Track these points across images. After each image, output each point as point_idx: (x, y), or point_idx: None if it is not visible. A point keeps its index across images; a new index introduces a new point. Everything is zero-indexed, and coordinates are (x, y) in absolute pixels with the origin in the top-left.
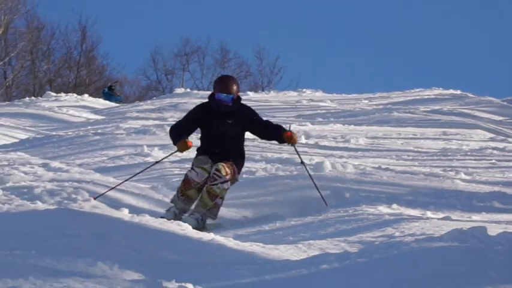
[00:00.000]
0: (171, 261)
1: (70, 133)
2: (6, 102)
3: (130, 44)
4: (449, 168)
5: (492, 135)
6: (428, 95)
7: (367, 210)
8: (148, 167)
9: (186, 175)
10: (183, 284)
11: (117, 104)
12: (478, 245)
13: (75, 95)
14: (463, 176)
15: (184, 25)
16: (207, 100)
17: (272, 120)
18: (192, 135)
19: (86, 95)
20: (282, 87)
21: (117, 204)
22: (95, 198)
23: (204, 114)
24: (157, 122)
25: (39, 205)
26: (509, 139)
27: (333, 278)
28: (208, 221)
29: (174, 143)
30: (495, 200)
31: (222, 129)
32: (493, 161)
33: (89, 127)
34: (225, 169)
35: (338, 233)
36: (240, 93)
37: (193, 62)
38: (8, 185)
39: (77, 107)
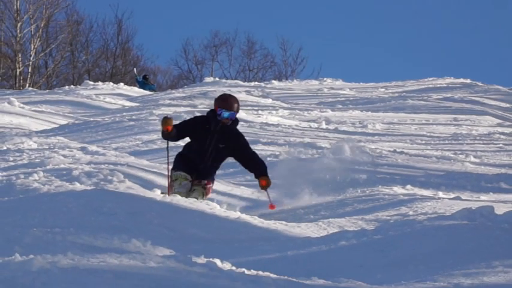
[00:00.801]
0: (200, 238)
1: (106, 119)
2: (47, 91)
3: (163, 36)
4: (459, 152)
5: (500, 121)
6: (440, 84)
7: (383, 190)
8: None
9: (172, 189)
10: (211, 259)
11: (151, 92)
12: (485, 223)
13: (111, 83)
14: (472, 159)
15: (213, 18)
16: (206, 115)
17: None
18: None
19: (122, 84)
20: (305, 76)
21: (150, 185)
22: (162, 193)
23: (201, 127)
24: (188, 108)
25: (77, 186)
26: None
27: (351, 253)
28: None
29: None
30: (502, 181)
31: (212, 149)
32: (500, 145)
33: (124, 113)
34: (199, 190)
35: (356, 211)
36: (239, 113)
37: (221, 53)
38: (48, 167)
39: (113, 95)
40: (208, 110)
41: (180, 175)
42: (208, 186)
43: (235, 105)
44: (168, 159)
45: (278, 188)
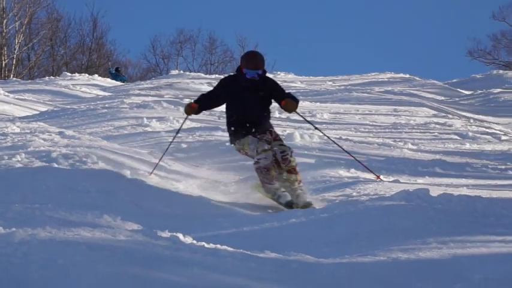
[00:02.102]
0: (164, 214)
1: (82, 107)
2: (30, 81)
3: (133, 33)
4: (398, 139)
5: (435, 112)
6: (382, 78)
7: (330, 173)
8: (174, 138)
9: (259, 167)
10: (174, 233)
11: (122, 83)
12: (421, 204)
13: (87, 75)
14: (410, 146)
15: (179, 17)
16: (234, 73)
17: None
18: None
19: (96, 75)
20: None
21: (120, 166)
22: (150, 174)
23: (233, 85)
24: (155, 98)
25: (55, 166)
26: (449, 116)
27: (300, 230)
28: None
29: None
30: (437, 166)
31: (254, 98)
32: (435, 133)
33: (98, 102)
34: (283, 144)
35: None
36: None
37: (186, 48)
38: (29, 149)
39: (88, 85)
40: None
41: (249, 141)
42: (276, 132)
43: (260, 63)
44: (176, 133)
45: (237, 169)
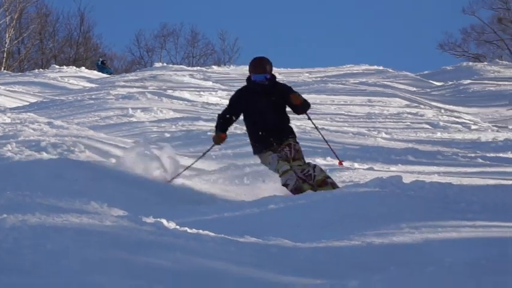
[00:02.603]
0: (149, 201)
1: (70, 98)
2: (20, 73)
3: (119, 27)
4: (372, 129)
5: (407, 102)
6: (357, 70)
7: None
8: (203, 154)
9: (291, 190)
10: (158, 219)
11: (108, 75)
12: (395, 191)
13: (74, 67)
14: (384, 135)
15: (162, 12)
16: (244, 84)
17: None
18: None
19: (83, 68)
20: (240, 62)
21: (106, 155)
22: (169, 181)
23: (245, 96)
24: (140, 89)
25: (44, 155)
26: (421, 106)
27: (279, 215)
28: None
29: (215, 133)
30: (409, 154)
31: (267, 105)
32: (408, 123)
33: (85, 93)
34: (301, 163)
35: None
36: (273, 72)
37: (169, 42)
38: (20, 139)
39: (75, 77)
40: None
41: (271, 159)
42: (296, 147)
43: (266, 67)
44: (203, 155)
45: (214, 159)
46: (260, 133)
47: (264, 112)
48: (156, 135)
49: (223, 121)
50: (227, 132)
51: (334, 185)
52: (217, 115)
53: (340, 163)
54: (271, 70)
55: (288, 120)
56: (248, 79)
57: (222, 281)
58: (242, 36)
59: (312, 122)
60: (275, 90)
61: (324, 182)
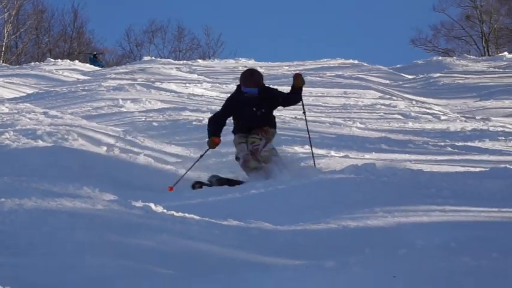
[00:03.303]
0: (138, 186)
1: (64, 89)
2: (17, 66)
3: (110, 23)
4: (348, 119)
5: (381, 94)
6: (333, 64)
7: (286, 149)
8: (197, 160)
9: (238, 158)
10: (146, 203)
11: (100, 68)
12: (369, 177)
13: (68, 61)
14: (358, 125)
15: (151, 8)
16: (235, 90)
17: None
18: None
19: (77, 61)
20: (223, 56)
21: (98, 143)
22: (171, 188)
23: (236, 104)
24: (129, 81)
25: (40, 143)
26: (394, 98)
27: (259, 200)
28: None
29: (208, 138)
30: (382, 143)
31: (255, 114)
32: (381, 114)
33: (78, 85)
34: (255, 137)
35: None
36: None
37: (157, 37)
38: (17, 127)
39: (69, 70)
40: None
41: (238, 137)
42: (266, 129)
43: (258, 81)
44: (198, 159)
45: (199, 146)
46: (244, 130)
47: (251, 120)
48: (144, 125)
49: (215, 126)
50: (221, 138)
51: (277, 164)
52: (208, 119)
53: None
54: (262, 83)
55: (273, 119)
56: (239, 88)
57: (206, 261)
58: (225, 32)
59: (304, 111)
60: (264, 100)
61: (269, 159)
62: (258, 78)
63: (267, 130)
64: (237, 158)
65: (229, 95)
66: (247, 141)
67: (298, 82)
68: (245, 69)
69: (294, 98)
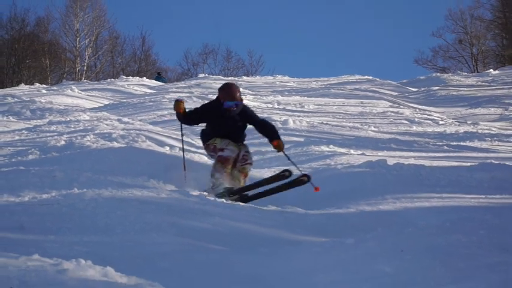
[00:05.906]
0: (194, 179)
1: (134, 101)
2: (96, 82)
3: (171, 46)
4: (364, 124)
5: (391, 104)
6: (352, 79)
7: (314, 148)
8: (182, 136)
9: (220, 156)
10: (201, 193)
11: (163, 84)
12: (381, 171)
13: (137, 77)
14: (373, 129)
15: (205, 34)
16: (213, 101)
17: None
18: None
19: (145, 78)
20: (264, 73)
21: (162, 144)
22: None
23: (214, 112)
24: (187, 94)
25: (115, 144)
26: (401, 106)
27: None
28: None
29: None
30: (392, 143)
31: (232, 125)
32: (391, 119)
33: (146, 97)
34: (247, 149)
35: (297, 162)
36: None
37: (209, 58)
38: (96, 132)
39: (139, 85)
40: (214, 98)
41: (221, 140)
42: (246, 149)
43: (238, 94)
44: (182, 139)
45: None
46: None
47: (228, 131)
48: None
49: (190, 114)
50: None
51: (244, 181)
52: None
53: (317, 189)
54: (240, 96)
55: (244, 136)
56: (217, 101)
57: (250, 238)
58: (265, 53)
59: (285, 154)
60: (242, 115)
61: (245, 176)
62: (236, 91)
63: (245, 145)
64: (220, 150)
65: (205, 102)
66: (238, 147)
67: (280, 149)
68: (223, 83)
69: (269, 140)
